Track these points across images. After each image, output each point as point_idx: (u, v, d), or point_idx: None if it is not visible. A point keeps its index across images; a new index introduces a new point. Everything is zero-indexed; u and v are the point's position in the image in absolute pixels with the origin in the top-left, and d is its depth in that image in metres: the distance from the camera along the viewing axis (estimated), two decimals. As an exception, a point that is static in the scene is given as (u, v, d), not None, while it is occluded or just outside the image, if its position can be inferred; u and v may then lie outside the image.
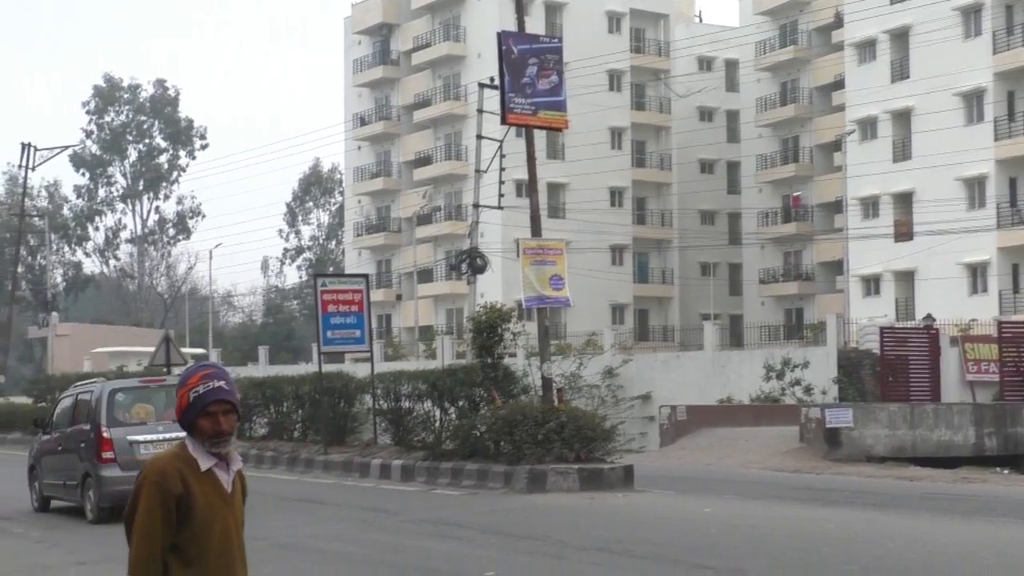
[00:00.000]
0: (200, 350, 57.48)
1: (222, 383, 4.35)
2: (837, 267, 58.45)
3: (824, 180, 62.02)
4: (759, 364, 31.92)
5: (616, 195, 68.14)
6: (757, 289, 66.52)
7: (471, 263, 34.88)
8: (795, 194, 62.12)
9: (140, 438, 17.00)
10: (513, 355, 26.04)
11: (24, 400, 43.24)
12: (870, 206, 56.69)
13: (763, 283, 66.43)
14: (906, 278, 55.10)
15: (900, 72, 55.99)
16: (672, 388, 34.23)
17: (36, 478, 19.36)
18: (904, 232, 54.10)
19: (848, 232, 52.96)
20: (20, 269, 66.75)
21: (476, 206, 34.80)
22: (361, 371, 27.71)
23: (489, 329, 22.38)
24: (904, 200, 55.39)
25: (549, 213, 53.58)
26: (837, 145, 57.76)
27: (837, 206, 58.05)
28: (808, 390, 31.24)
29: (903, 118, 55.69)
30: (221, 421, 4.32)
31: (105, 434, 17.04)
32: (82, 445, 17.60)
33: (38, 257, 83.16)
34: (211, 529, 4.27)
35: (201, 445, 4.33)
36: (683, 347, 45.78)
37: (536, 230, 22.97)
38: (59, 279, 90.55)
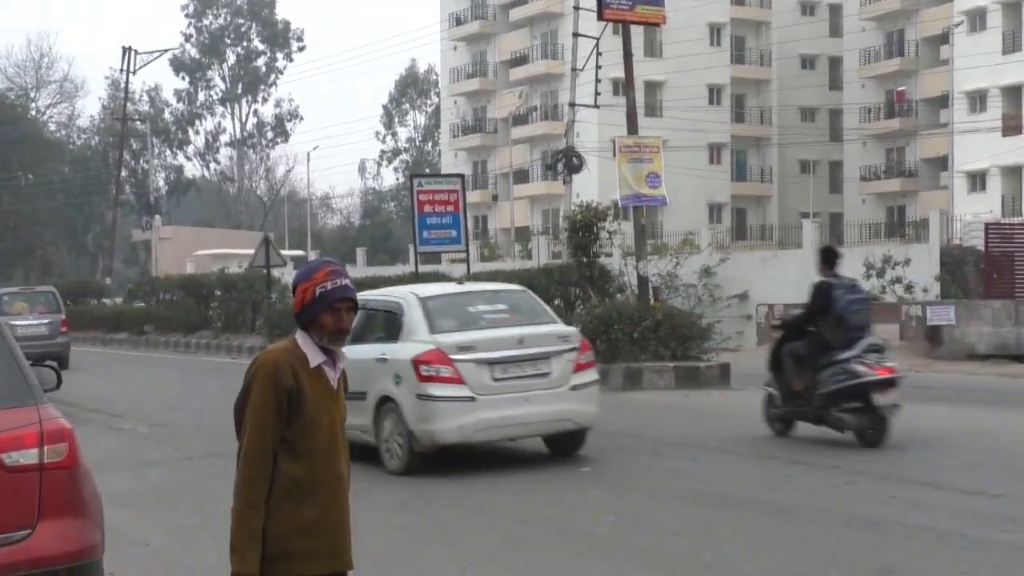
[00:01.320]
0: (299, 252, 58.22)
1: (348, 281, 4.27)
2: (941, 163, 57.13)
3: (929, 74, 60.38)
4: (859, 262, 31.33)
5: (714, 92, 67.11)
6: (858, 187, 65.34)
7: (567, 163, 34.71)
8: (899, 89, 60.63)
9: (17, 323, 26.35)
10: (609, 254, 25.94)
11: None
12: (977, 100, 55.15)
13: (864, 180, 65.21)
14: (1014, 173, 53.70)
15: (1011, -40, 54.03)
16: (770, 287, 33.87)
17: None
18: (1013, 126, 52.64)
19: (954, 127, 51.65)
20: (123, 173, 67.91)
21: (572, 105, 34.53)
22: (457, 272, 27.82)
23: (585, 228, 22.35)
24: (1014, 93, 53.80)
25: (646, 111, 52.90)
26: (944, 37, 56.11)
27: (942, 100, 56.60)
28: (909, 288, 30.74)
29: (1014, 8, 53.81)
30: (344, 318, 4.26)
31: None
32: None
33: (140, 161, 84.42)
34: (319, 424, 4.27)
35: (313, 341, 4.28)
36: (781, 246, 45.19)
37: (633, 128, 22.77)
38: (161, 183, 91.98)
